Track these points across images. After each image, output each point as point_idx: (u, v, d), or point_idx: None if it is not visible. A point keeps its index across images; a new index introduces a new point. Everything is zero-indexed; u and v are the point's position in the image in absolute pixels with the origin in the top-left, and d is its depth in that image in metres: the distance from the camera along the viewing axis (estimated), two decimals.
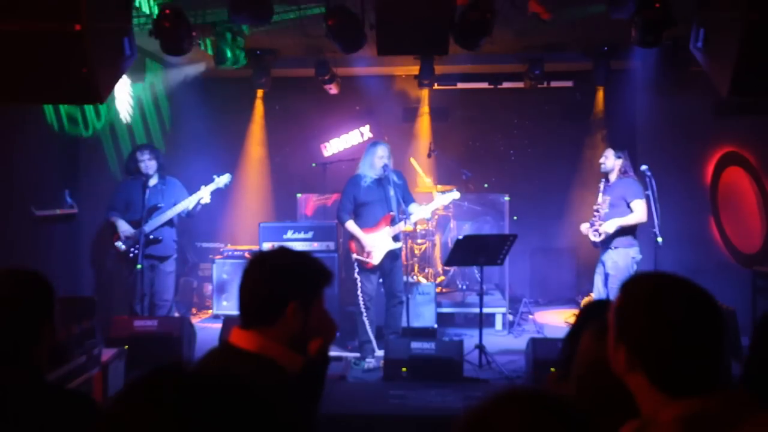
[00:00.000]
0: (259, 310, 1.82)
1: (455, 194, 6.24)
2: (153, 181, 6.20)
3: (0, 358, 1.80)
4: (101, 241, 6.53)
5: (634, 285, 1.43)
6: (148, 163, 6.18)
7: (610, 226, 5.88)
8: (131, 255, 6.01)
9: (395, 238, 5.95)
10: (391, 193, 5.87)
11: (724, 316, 1.38)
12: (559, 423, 1.02)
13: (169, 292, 6.33)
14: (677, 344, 1.32)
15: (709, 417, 1.29)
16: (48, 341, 1.87)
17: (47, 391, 1.85)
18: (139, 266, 5.93)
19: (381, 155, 5.85)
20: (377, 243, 5.89)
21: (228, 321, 5.88)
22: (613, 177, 6.01)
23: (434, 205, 6.25)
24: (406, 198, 6.02)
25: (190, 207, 6.23)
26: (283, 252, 1.92)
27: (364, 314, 5.93)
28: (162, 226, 6.18)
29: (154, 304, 6.24)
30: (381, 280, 6.14)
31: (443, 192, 7.89)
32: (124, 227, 6.06)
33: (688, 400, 1.31)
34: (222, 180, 6.39)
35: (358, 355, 6.03)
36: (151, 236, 6.12)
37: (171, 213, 6.21)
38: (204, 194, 6.25)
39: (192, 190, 6.33)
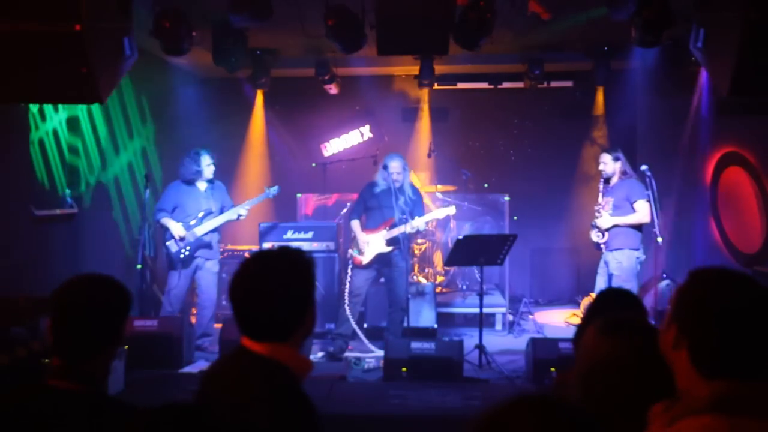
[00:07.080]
0: (272, 332, 1.77)
1: (451, 209, 6.32)
2: (203, 185, 6.31)
3: (77, 355, 1.83)
4: (101, 241, 6.52)
5: (699, 271, 1.49)
6: (212, 168, 6.29)
7: (605, 222, 5.88)
8: (182, 256, 6.13)
9: (389, 242, 6.02)
10: (400, 201, 6.03)
11: None
12: (572, 429, 1.03)
13: (214, 292, 6.39)
14: (721, 330, 1.39)
15: (741, 399, 1.34)
16: (116, 347, 1.92)
17: (105, 403, 1.84)
18: (139, 266, 5.98)
19: (392, 169, 6.04)
20: (370, 243, 6.08)
21: (228, 321, 5.88)
22: (614, 180, 6.00)
23: (429, 217, 6.30)
24: (415, 213, 6.14)
25: (243, 213, 6.40)
26: (287, 266, 1.81)
27: (346, 303, 6.09)
28: (212, 230, 6.29)
29: (199, 305, 6.37)
30: (383, 280, 6.25)
31: (443, 193, 7.93)
32: (177, 229, 6.11)
33: (723, 382, 1.37)
34: (271, 191, 6.59)
35: (358, 355, 6.05)
36: (204, 239, 6.24)
37: (223, 218, 6.31)
38: (249, 206, 6.46)
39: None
